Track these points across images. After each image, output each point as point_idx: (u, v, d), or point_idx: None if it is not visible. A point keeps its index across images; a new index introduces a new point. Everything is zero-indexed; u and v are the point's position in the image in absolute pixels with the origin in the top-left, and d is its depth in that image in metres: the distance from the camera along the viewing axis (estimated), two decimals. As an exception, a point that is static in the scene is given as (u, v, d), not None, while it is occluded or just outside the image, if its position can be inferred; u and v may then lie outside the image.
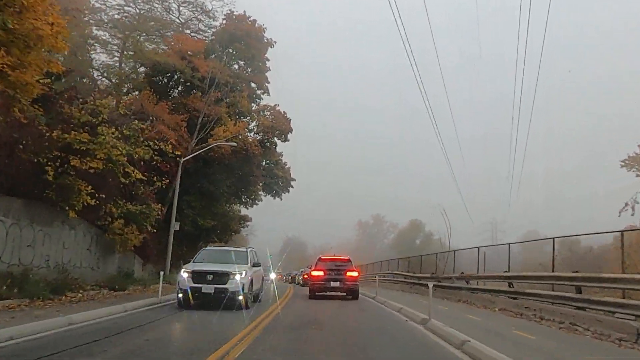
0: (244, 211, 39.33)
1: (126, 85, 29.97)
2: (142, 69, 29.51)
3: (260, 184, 35.21)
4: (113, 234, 18.82)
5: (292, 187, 37.67)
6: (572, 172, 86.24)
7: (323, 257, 20.89)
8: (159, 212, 21.49)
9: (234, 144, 26.50)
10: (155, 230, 21.96)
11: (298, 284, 39.20)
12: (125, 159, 17.39)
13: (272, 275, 53.63)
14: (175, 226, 25.00)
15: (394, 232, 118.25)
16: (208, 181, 28.16)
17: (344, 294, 19.24)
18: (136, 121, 19.98)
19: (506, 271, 16.72)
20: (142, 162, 19.95)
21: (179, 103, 28.37)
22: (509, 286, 15.91)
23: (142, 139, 19.51)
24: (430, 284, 12.53)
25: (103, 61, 28.93)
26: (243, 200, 36.87)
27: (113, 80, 29.10)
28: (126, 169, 17.61)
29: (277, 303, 15.71)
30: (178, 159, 24.99)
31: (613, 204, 25.79)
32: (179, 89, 30.63)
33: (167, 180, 23.86)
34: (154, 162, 21.35)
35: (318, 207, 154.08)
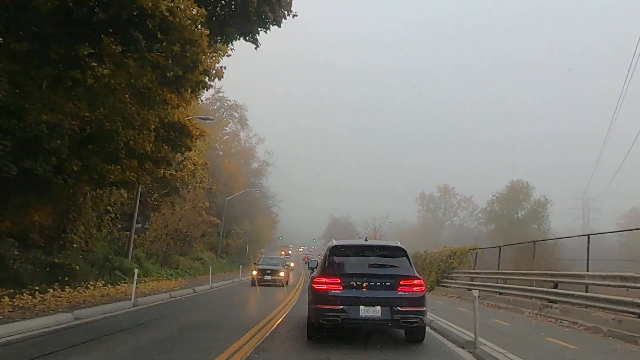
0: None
1: None
2: None
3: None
4: None
5: (286, 15, 13.23)
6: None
7: (339, 244, 8.64)
8: None
9: None
10: None
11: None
12: None
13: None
14: None
15: (466, 208, 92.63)
16: None
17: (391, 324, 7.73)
18: None
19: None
20: None
21: None
22: None
23: None
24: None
25: None
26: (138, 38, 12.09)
27: None
28: None
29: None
30: None
31: None
32: None
33: None
34: None
35: (371, 180, 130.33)
